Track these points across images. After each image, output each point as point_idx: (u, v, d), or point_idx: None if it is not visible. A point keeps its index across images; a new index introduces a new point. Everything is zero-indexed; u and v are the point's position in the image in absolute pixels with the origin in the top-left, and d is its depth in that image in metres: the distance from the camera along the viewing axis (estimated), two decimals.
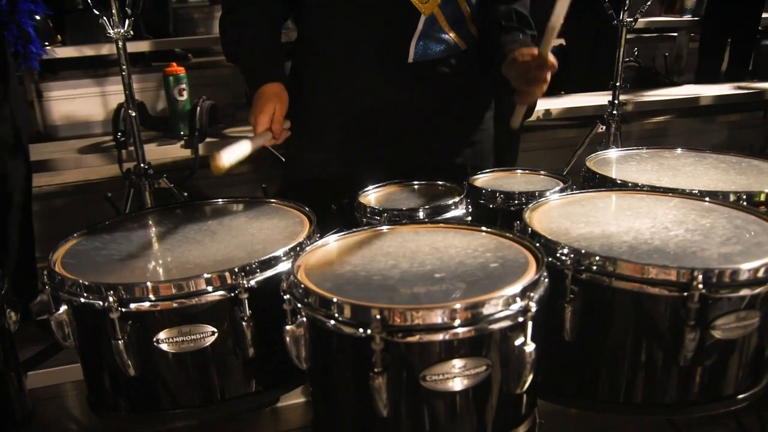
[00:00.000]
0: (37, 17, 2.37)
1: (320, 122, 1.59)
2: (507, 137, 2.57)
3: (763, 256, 0.99)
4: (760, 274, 0.96)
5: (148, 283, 1.00)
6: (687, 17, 4.54)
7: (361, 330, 0.85)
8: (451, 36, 1.53)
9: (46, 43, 2.97)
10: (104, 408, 1.13)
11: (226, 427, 1.85)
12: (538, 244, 1.04)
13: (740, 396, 1.04)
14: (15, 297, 1.20)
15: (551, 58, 1.30)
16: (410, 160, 1.56)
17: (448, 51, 1.54)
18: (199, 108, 2.65)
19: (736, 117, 3.88)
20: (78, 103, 3.43)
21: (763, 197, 1.30)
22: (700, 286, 0.93)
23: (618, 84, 2.87)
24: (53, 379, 1.87)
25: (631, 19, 2.80)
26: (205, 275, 1.01)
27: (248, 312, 1.02)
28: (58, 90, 3.41)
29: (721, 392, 1.03)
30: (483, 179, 1.51)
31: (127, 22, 2.15)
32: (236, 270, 1.02)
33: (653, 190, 1.34)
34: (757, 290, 0.96)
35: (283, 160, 2.57)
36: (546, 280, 0.96)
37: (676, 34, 4.77)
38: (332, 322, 0.88)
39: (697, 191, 1.31)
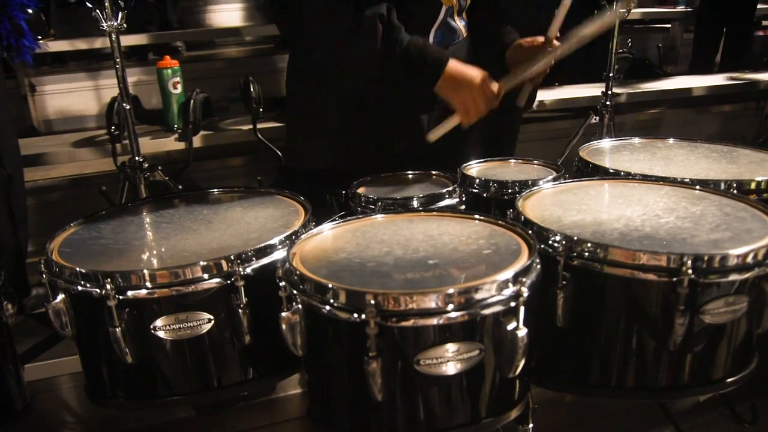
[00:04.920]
0: (30, 10, 2.35)
1: (321, 113, 1.59)
2: (504, 127, 2.58)
3: (752, 242, 1.01)
4: (749, 259, 0.98)
5: (145, 271, 1.00)
6: (681, 8, 4.55)
7: (355, 315, 0.86)
8: (458, 24, 1.56)
9: (39, 37, 2.95)
10: (102, 396, 1.13)
11: (223, 417, 1.86)
12: (530, 232, 1.05)
13: (729, 379, 1.06)
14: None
15: (556, 42, 1.45)
16: (405, 150, 1.57)
17: (456, 38, 1.57)
18: (192, 101, 2.63)
19: (729, 108, 3.88)
20: (72, 97, 3.41)
21: (753, 186, 1.31)
22: (690, 271, 0.94)
23: (611, 75, 2.88)
24: (50, 372, 1.87)
25: (625, 10, 2.80)
26: (202, 263, 1.02)
27: (244, 299, 1.03)
28: (51, 84, 3.38)
29: (711, 376, 1.05)
30: (476, 168, 1.52)
31: (120, 14, 2.14)
32: (232, 258, 1.03)
33: (645, 178, 1.36)
34: (746, 275, 0.98)
35: (279, 153, 2.60)
36: (538, 265, 0.97)
37: (669, 25, 4.78)
38: (327, 307, 0.89)
39: (688, 180, 1.33)
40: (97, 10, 2.12)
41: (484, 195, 1.39)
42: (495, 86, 1.39)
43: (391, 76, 1.40)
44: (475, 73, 1.39)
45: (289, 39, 1.59)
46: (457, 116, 1.42)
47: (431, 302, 0.86)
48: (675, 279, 0.95)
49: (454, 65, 1.39)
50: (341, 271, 0.97)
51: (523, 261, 0.96)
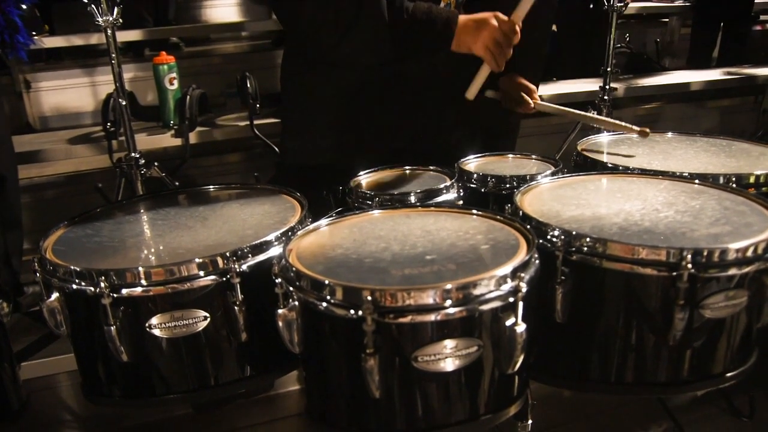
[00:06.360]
0: (24, 6, 2.33)
1: (317, 109, 1.58)
2: (504, 124, 2.57)
3: (752, 236, 1.00)
4: (749, 253, 0.97)
5: (140, 269, 0.99)
6: (678, 2, 4.54)
7: (352, 311, 0.85)
8: None
9: (33, 33, 2.93)
10: (98, 395, 1.12)
11: (221, 414, 1.85)
12: (529, 227, 1.05)
13: (729, 374, 1.05)
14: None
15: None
16: (402, 145, 1.56)
17: None
18: (188, 97, 2.62)
19: (727, 102, 3.88)
20: (67, 93, 3.40)
21: (752, 179, 1.31)
22: (690, 265, 0.93)
23: (609, 70, 2.87)
24: (46, 370, 1.87)
25: (622, 4, 2.79)
26: (197, 260, 1.01)
27: (240, 296, 1.02)
28: (46, 80, 3.37)
29: (711, 371, 1.04)
30: (474, 164, 1.51)
31: (116, 10, 2.13)
32: (228, 254, 1.02)
33: (644, 173, 1.35)
34: (746, 269, 0.97)
35: (276, 149, 2.58)
36: (536, 260, 0.96)
37: (667, 19, 4.77)
38: (324, 304, 0.89)
39: (687, 174, 1.32)
40: (93, 6, 2.11)
41: (482, 190, 1.38)
42: (508, 20, 1.35)
43: (403, 46, 1.36)
44: (485, 14, 1.35)
45: (290, 28, 1.55)
46: (485, 66, 1.38)
47: (429, 298, 0.85)
48: (675, 273, 0.94)
49: (464, 18, 1.36)
50: (338, 267, 0.96)
51: (521, 256, 0.95)
